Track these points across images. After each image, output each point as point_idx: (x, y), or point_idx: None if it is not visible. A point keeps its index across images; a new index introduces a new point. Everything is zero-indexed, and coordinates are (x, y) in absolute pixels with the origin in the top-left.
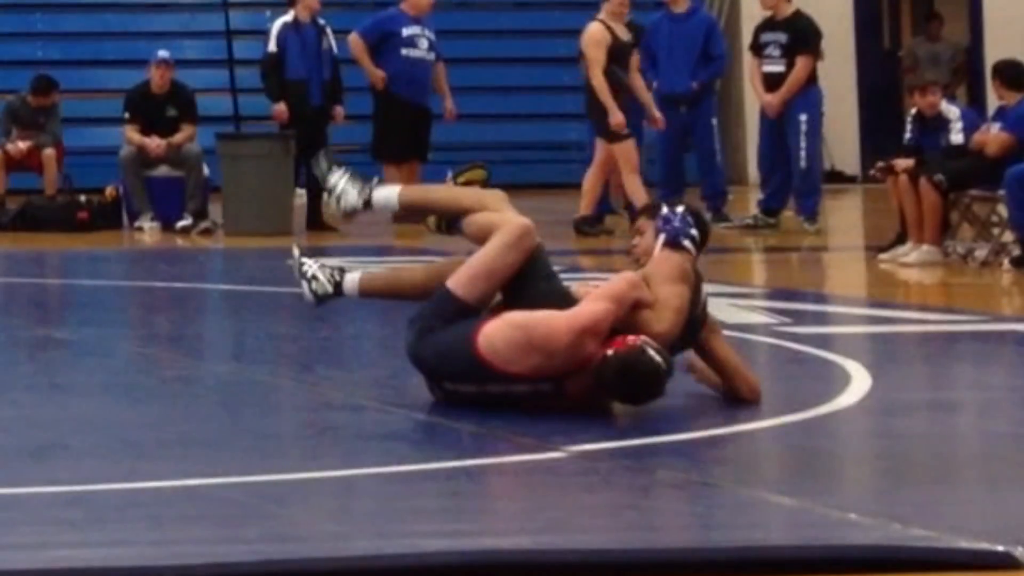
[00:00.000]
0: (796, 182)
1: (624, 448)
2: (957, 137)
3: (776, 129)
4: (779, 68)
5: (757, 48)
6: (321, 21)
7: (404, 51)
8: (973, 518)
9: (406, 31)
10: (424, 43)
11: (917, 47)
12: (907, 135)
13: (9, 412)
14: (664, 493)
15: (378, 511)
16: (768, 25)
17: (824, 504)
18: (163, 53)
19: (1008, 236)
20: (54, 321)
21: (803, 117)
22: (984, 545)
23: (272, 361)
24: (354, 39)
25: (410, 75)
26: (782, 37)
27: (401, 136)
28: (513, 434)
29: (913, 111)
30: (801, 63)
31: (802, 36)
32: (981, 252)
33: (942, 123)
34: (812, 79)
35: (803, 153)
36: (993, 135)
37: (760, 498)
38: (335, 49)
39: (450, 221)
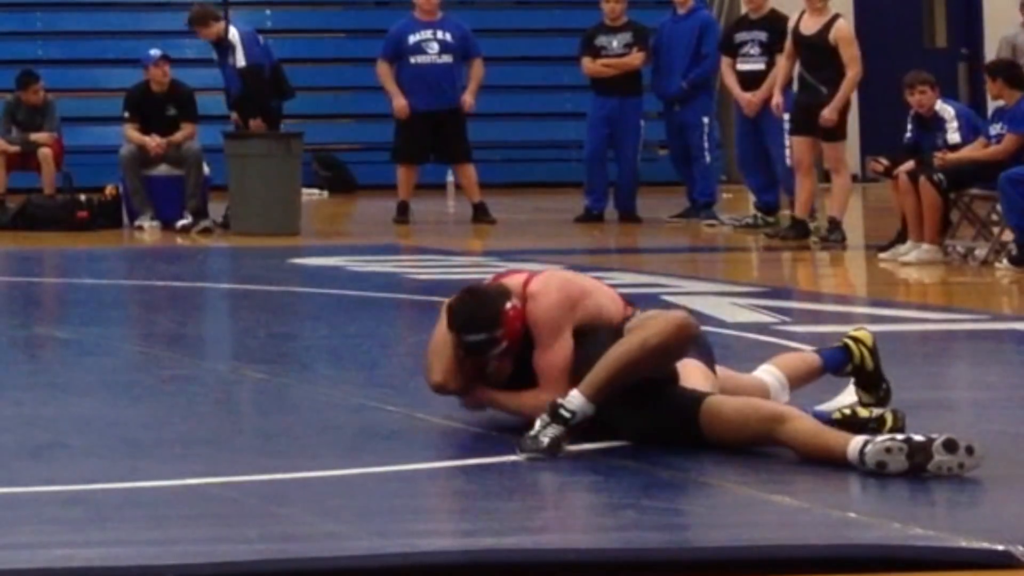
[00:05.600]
0: (783, 181)
1: (624, 448)
2: (954, 136)
3: (754, 128)
4: (759, 66)
5: (731, 48)
6: (232, 33)
7: (412, 59)
8: (973, 518)
9: (412, 38)
10: (434, 46)
11: (1016, 37)
12: (907, 135)
13: (9, 412)
14: (664, 493)
15: (378, 511)
16: (744, 24)
17: (824, 504)
18: (155, 52)
19: (1008, 235)
20: (54, 320)
21: (785, 116)
22: (984, 545)
23: (272, 361)
24: (379, 64)
25: (419, 82)
26: (761, 35)
27: (408, 141)
28: (513, 434)
29: (913, 110)
30: (784, 61)
31: (782, 34)
32: (981, 251)
33: (938, 123)
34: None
35: (788, 151)
36: (1006, 140)
37: (760, 498)
38: (243, 62)
39: None
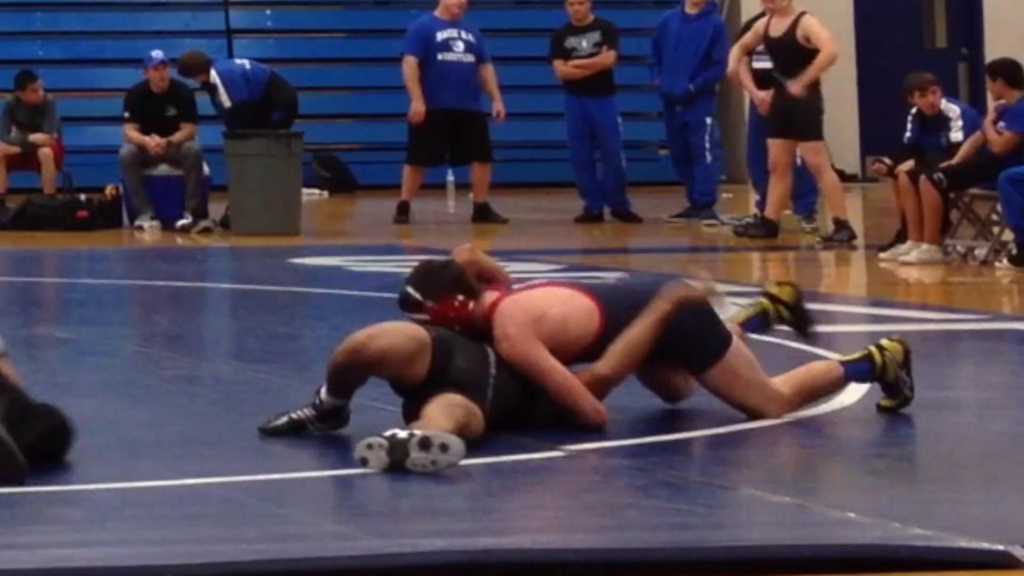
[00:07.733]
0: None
1: (624, 448)
2: (957, 135)
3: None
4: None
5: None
6: (212, 76)
7: (440, 56)
8: (973, 518)
9: (440, 35)
10: (460, 45)
11: None
12: (907, 134)
13: None
14: (664, 493)
15: (378, 511)
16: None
17: (824, 504)
18: (157, 54)
19: (1008, 235)
20: (54, 320)
21: None
22: (984, 545)
23: (272, 361)
24: (407, 61)
25: (446, 80)
26: None
27: (423, 142)
28: (513, 434)
29: (913, 110)
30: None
31: None
32: (981, 251)
33: (942, 122)
34: None
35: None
36: (1004, 136)
37: (760, 498)
38: (228, 103)
39: None
